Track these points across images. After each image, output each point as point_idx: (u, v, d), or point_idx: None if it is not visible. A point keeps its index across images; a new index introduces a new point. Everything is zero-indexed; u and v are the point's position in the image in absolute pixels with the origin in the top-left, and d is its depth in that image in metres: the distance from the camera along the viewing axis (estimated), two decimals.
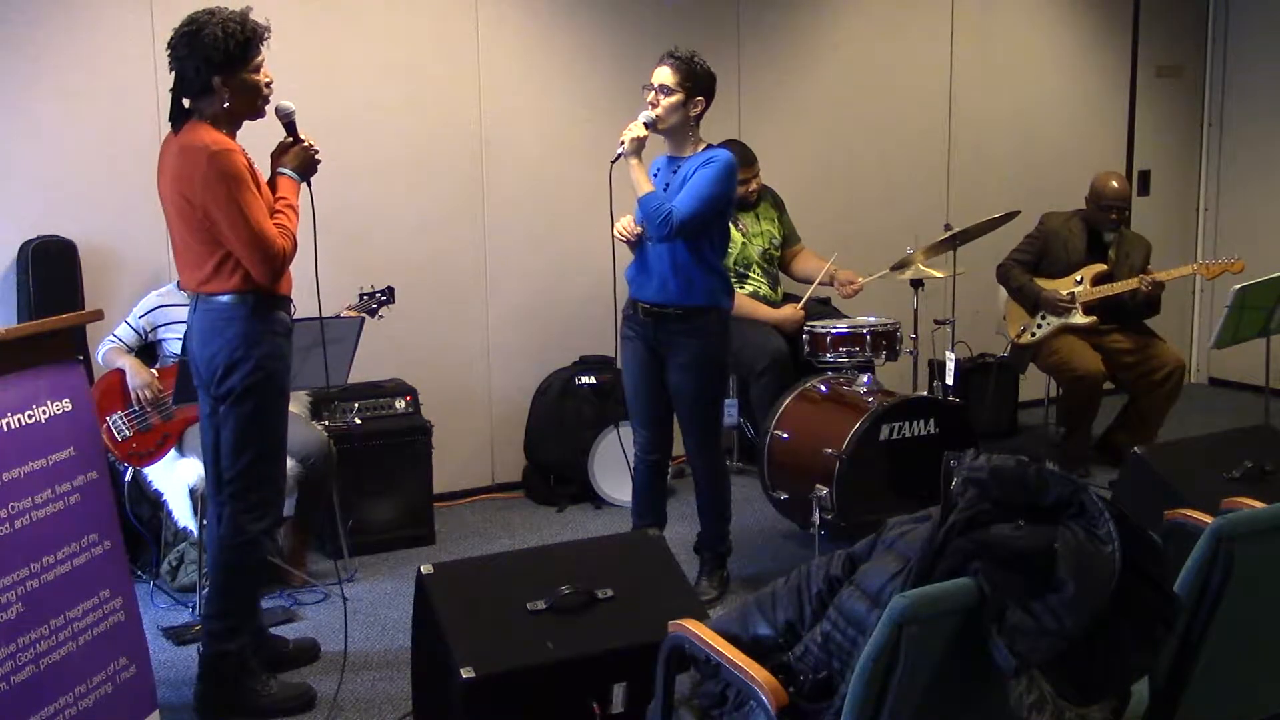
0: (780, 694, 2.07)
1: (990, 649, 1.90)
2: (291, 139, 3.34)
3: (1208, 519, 2.44)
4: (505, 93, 5.33)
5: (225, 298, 3.18)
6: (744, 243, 5.36)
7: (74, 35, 4.50)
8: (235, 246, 3.12)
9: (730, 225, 5.27)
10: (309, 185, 3.34)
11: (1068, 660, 1.95)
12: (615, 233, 3.97)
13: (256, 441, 3.25)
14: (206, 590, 3.44)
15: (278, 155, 3.34)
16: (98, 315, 3.30)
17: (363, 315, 4.38)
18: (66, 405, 2.95)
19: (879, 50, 6.29)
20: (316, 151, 3.36)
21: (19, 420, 2.81)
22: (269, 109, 3.27)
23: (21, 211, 4.47)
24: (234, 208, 3.07)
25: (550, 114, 5.45)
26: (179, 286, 4.20)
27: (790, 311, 5.21)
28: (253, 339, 3.18)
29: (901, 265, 5.00)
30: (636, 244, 3.97)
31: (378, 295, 4.56)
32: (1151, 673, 2.26)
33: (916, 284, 4.98)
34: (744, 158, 5.36)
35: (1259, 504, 2.62)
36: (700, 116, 3.93)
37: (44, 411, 2.88)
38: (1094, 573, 1.93)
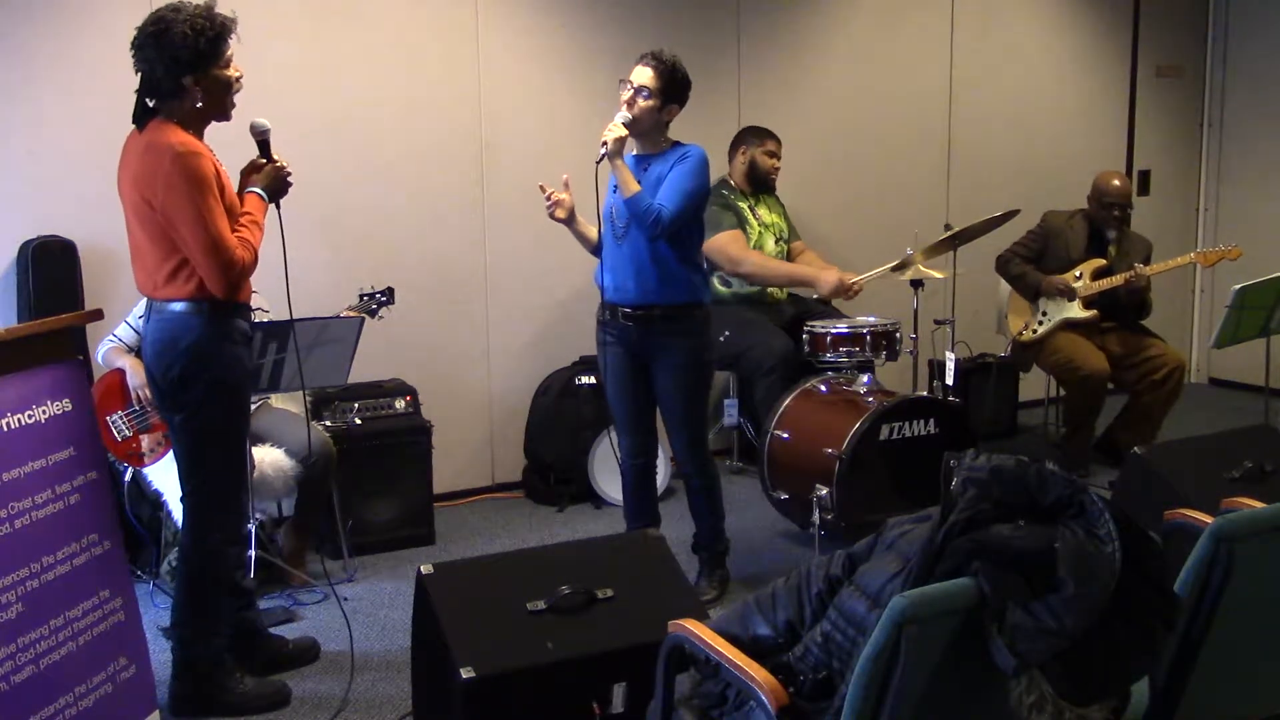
0: (780, 694, 2.07)
1: (990, 649, 1.90)
2: (264, 159, 3.29)
3: (1208, 519, 2.43)
4: (505, 93, 5.33)
5: (179, 305, 3.10)
6: (760, 230, 5.37)
7: (74, 35, 4.50)
8: (192, 252, 3.04)
9: (749, 212, 5.32)
10: (278, 206, 3.30)
11: (1068, 660, 1.95)
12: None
13: (218, 452, 3.21)
14: (173, 597, 3.37)
15: (249, 173, 3.29)
16: (98, 315, 3.28)
17: (363, 315, 4.38)
18: (66, 405, 2.95)
19: (879, 50, 6.29)
20: (289, 173, 3.30)
21: (19, 420, 2.81)
22: (244, 125, 3.22)
23: (21, 211, 4.47)
24: (194, 212, 2.99)
25: (550, 114, 5.45)
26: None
27: (833, 274, 5.11)
28: (209, 349, 3.12)
29: (901, 265, 5.00)
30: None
31: (377, 295, 4.56)
32: (1151, 673, 2.26)
33: (916, 284, 4.98)
34: (763, 132, 5.48)
35: (1259, 504, 2.61)
36: (669, 122, 3.94)
37: (44, 411, 2.88)
38: (1094, 573, 1.92)
